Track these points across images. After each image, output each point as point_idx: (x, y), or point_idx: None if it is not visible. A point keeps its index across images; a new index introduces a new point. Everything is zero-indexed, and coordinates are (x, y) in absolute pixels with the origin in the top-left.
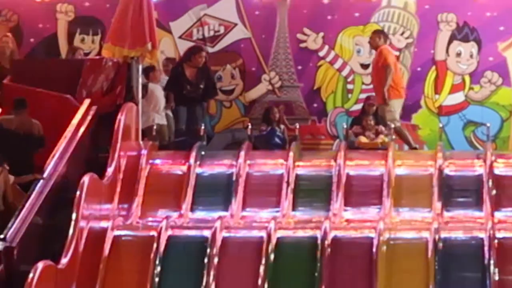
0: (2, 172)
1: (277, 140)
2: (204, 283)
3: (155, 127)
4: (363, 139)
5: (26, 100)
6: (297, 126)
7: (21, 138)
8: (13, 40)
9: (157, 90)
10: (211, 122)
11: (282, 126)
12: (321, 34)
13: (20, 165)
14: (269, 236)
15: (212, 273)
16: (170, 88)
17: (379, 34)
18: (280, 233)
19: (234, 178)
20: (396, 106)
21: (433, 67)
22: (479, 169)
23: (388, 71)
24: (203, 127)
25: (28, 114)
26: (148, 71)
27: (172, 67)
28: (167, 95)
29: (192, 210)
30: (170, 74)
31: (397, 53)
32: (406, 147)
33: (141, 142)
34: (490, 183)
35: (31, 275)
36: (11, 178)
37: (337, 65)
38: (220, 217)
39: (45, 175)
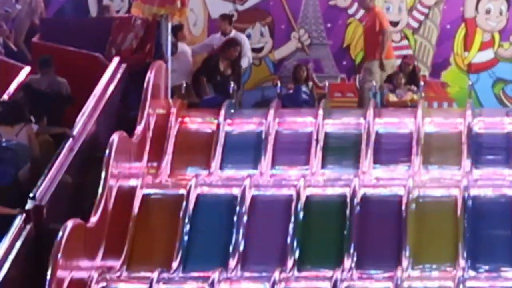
0: (25, 126)
1: (304, 97)
2: (233, 241)
3: (184, 85)
4: (391, 97)
5: (51, 58)
6: (327, 84)
7: (51, 98)
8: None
9: (186, 49)
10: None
11: (310, 84)
12: None
13: (52, 125)
14: (298, 194)
15: (241, 231)
16: (201, 75)
17: None
18: (309, 191)
19: (263, 136)
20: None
21: (463, 25)
22: (508, 126)
23: (386, 36)
24: (232, 86)
25: (54, 72)
26: (177, 30)
27: (206, 57)
28: (200, 80)
29: (221, 168)
30: (204, 63)
31: (426, 10)
32: (435, 104)
33: (170, 100)
34: None
35: (60, 233)
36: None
37: None
38: (249, 175)
39: (74, 133)
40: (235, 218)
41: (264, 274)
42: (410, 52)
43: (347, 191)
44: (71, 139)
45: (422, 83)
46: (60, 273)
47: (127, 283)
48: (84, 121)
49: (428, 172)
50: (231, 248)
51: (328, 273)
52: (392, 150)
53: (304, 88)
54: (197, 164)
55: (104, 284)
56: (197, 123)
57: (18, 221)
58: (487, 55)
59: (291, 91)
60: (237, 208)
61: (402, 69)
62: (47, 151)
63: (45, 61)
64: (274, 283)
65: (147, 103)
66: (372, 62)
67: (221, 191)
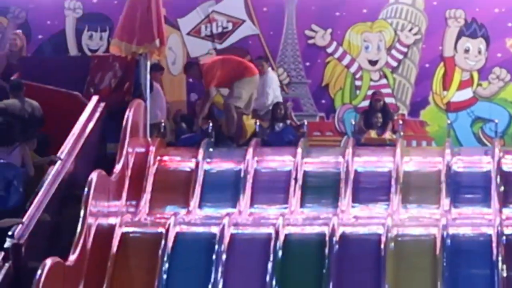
0: (18, 146)
1: (290, 137)
2: (212, 280)
3: (163, 124)
4: (372, 133)
5: (21, 82)
6: (305, 123)
7: (26, 121)
8: (22, 37)
9: (159, 88)
10: (220, 117)
11: (288, 122)
12: (329, 30)
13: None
14: (277, 232)
15: (220, 269)
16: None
17: None
18: (288, 230)
19: (242, 174)
20: (243, 84)
21: (441, 64)
22: (487, 165)
23: (207, 99)
24: (211, 124)
25: (24, 95)
26: (152, 70)
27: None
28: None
29: (200, 206)
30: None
31: (405, 49)
32: (414, 143)
33: (149, 139)
34: (498, 179)
35: (39, 271)
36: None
37: (345, 61)
38: (228, 214)
39: (52, 172)
40: (214, 257)
41: None
42: (388, 91)
43: (326, 230)
44: (49, 178)
45: (400, 121)
46: None
47: None
48: (63, 159)
49: (407, 210)
50: (209, 287)
51: None
52: (371, 188)
53: (291, 129)
54: (176, 202)
55: None
56: (176, 161)
57: None
58: (466, 94)
59: (277, 129)
60: (216, 247)
61: (373, 106)
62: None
63: (16, 85)
64: None
65: (126, 142)
66: (239, 81)
67: (200, 229)
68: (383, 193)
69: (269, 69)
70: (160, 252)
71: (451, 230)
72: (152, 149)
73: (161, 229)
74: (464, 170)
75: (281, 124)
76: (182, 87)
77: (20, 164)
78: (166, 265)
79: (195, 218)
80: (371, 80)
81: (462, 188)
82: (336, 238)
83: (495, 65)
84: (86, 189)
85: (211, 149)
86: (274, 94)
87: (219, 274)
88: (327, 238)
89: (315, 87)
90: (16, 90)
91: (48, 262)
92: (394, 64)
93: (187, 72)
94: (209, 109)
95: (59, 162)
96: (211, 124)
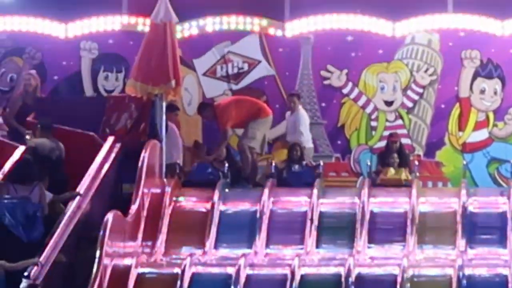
0: (37, 185)
1: (310, 180)
2: None
3: (178, 164)
4: (390, 171)
5: (51, 122)
6: (321, 164)
7: (53, 161)
8: (36, 77)
9: (175, 128)
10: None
11: (304, 163)
12: (345, 71)
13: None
14: (292, 273)
15: None
16: None
17: None
18: (304, 271)
19: (258, 215)
20: (257, 124)
21: (457, 104)
22: (503, 206)
23: (224, 138)
24: (226, 165)
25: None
26: (168, 110)
27: None
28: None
29: (216, 247)
30: None
31: (421, 90)
32: (430, 183)
33: (164, 180)
34: None
35: None
36: (49, 195)
37: (361, 102)
38: (244, 255)
39: (68, 212)
40: None
41: None
42: (404, 131)
43: (342, 271)
44: (65, 218)
45: (416, 162)
46: None
47: None
48: (78, 200)
49: (422, 251)
50: None
51: None
52: (386, 229)
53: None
54: (192, 243)
55: None
56: (192, 202)
57: None
58: (482, 134)
59: (294, 170)
60: (232, 287)
61: (389, 148)
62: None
63: (46, 125)
64: None
65: (142, 182)
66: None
67: (216, 270)
68: (399, 234)
69: (300, 106)
70: None
71: (467, 271)
72: (168, 189)
73: (177, 270)
74: (480, 210)
75: (297, 166)
76: (198, 128)
77: (38, 201)
78: None
79: (211, 259)
80: (386, 120)
81: (478, 229)
82: (352, 278)
83: (511, 106)
84: (101, 230)
85: (226, 190)
86: (307, 132)
87: None
88: (343, 279)
89: (330, 127)
90: (45, 130)
91: None
92: (410, 104)
93: (200, 113)
94: (227, 150)
95: (78, 198)
96: (227, 165)
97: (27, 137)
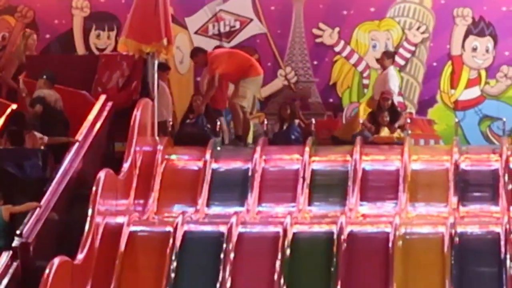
0: (28, 134)
1: (296, 134)
2: (220, 279)
3: (170, 122)
4: (384, 131)
5: (55, 75)
6: (313, 121)
7: (58, 113)
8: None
9: (165, 85)
10: (227, 117)
11: (296, 121)
12: (337, 29)
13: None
14: (285, 231)
15: (228, 268)
16: None
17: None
18: (296, 228)
19: (250, 173)
20: (248, 83)
21: (449, 62)
22: (495, 163)
23: (212, 85)
24: (218, 123)
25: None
26: (160, 69)
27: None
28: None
29: (208, 205)
30: None
31: (412, 48)
32: (422, 141)
33: (157, 138)
34: (506, 177)
35: (47, 270)
36: (45, 138)
37: (353, 60)
38: (236, 213)
39: (60, 171)
40: (221, 255)
41: None
42: None
43: (334, 228)
44: (55, 179)
45: (408, 120)
46: None
47: None
48: (70, 158)
49: (415, 209)
50: (218, 286)
51: None
52: (378, 187)
53: (295, 127)
54: (184, 201)
55: None
56: (184, 160)
57: (4, 259)
58: (474, 92)
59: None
60: (224, 245)
61: (381, 105)
62: None
63: (52, 77)
64: None
65: (134, 141)
66: (244, 80)
67: (208, 228)
68: (391, 192)
69: (391, 66)
70: (168, 250)
71: (459, 228)
72: (160, 148)
73: (169, 228)
74: (472, 168)
75: (286, 125)
76: (190, 86)
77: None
78: (174, 264)
79: (203, 217)
80: None
81: (470, 187)
82: (344, 236)
83: (503, 64)
84: (94, 188)
85: (218, 148)
86: (396, 90)
87: (227, 273)
88: (335, 236)
89: (322, 85)
90: (51, 82)
91: (56, 261)
92: (402, 62)
93: (193, 57)
94: (206, 107)
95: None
96: (219, 123)
97: (23, 94)
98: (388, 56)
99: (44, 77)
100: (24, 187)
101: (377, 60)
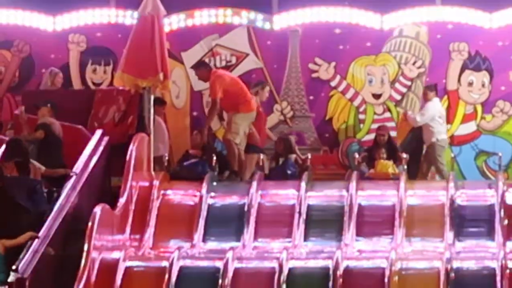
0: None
1: (292, 169)
2: None
3: (166, 157)
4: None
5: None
6: (309, 156)
7: (61, 143)
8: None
9: (161, 120)
10: (224, 152)
11: (293, 156)
12: (333, 63)
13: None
14: (281, 266)
15: None
16: None
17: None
18: (292, 264)
19: (246, 208)
20: (240, 119)
21: (445, 97)
22: (491, 199)
23: (214, 107)
24: (214, 158)
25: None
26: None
27: None
28: None
29: (204, 240)
30: None
31: (409, 82)
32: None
33: (153, 173)
34: (502, 212)
35: None
36: (42, 168)
37: (349, 95)
38: (232, 248)
39: (56, 206)
40: None
41: None
42: (392, 124)
43: (330, 264)
44: (53, 212)
45: (404, 155)
46: None
47: None
48: (66, 193)
49: (410, 244)
50: None
51: None
52: (374, 222)
53: (291, 162)
54: (180, 236)
55: None
56: (180, 195)
57: None
58: (470, 127)
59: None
60: (220, 281)
61: (377, 141)
62: None
63: (56, 106)
64: None
65: (130, 176)
66: (236, 115)
67: (204, 263)
68: (387, 227)
69: (434, 98)
70: (163, 286)
71: (455, 264)
72: (156, 183)
73: (165, 263)
74: (468, 203)
75: (281, 160)
76: (186, 121)
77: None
78: None
79: (199, 252)
80: (374, 113)
81: (466, 222)
82: (340, 271)
83: (499, 98)
84: (90, 223)
85: (214, 183)
86: (434, 124)
87: None
88: (331, 272)
89: (319, 120)
90: (54, 111)
91: None
92: (398, 97)
93: (196, 69)
94: (208, 138)
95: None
96: (215, 157)
97: (8, 126)
98: (430, 90)
99: (49, 105)
100: (31, 220)
101: (423, 95)
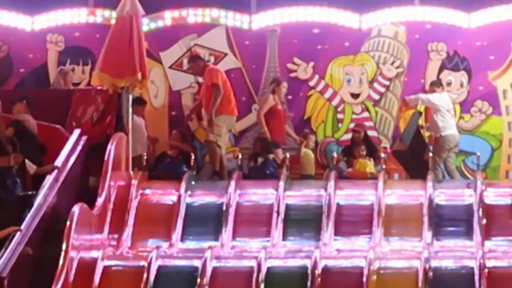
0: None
1: (271, 169)
2: None
3: (145, 156)
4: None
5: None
6: (287, 156)
7: (36, 140)
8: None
9: (140, 120)
10: (202, 152)
11: (271, 156)
12: (311, 63)
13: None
14: (259, 265)
15: None
16: None
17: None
18: (271, 263)
19: (224, 208)
20: (222, 121)
21: None
22: (469, 198)
23: (218, 91)
24: (193, 157)
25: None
26: (135, 104)
27: None
28: None
29: (182, 240)
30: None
31: (387, 82)
32: (396, 176)
33: (131, 172)
34: (480, 212)
35: None
36: (33, 167)
37: (327, 94)
38: (210, 247)
39: (34, 205)
40: None
41: None
42: (371, 124)
43: (308, 263)
44: (30, 212)
45: (383, 154)
46: None
47: None
48: (45, 193)
49: (389, 243)
50: None
51: None
52: (353, 222)
53: (271, 162)
54: (158, 235)
55: None
56: (158, 194)
57: None
58: None
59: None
60: (198, 280)
61: (354, 139)
62: None
63: (32, 102)
64: None
65: (108, 175)
66: (218, 118)
67: (182, 262)
68: (365, 226)
69: (443, 92)
70: (142, 285)
71: (433, 263)
72: (134, 182)
73: (143, 262)
74: (446, 203)
75: (259, 159)
76: (165, 121)
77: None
78: None
79: (177, 251)
80: (353, 113)
81: (444, 221)
82: (318, 271)
83: (477, 98)
84: (68, 222)
85: (193, 182)
86: (441, 119)
87: None
88: (309, 271)
89: (297, 120)
90: (31, 107)
91: None
92: (376, 97)
93: (191, 62)
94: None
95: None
96: (193, 157)
97: None
98: (437, 85)
99: (24, 101)
100: (5, 205)
101: (431, 93)
